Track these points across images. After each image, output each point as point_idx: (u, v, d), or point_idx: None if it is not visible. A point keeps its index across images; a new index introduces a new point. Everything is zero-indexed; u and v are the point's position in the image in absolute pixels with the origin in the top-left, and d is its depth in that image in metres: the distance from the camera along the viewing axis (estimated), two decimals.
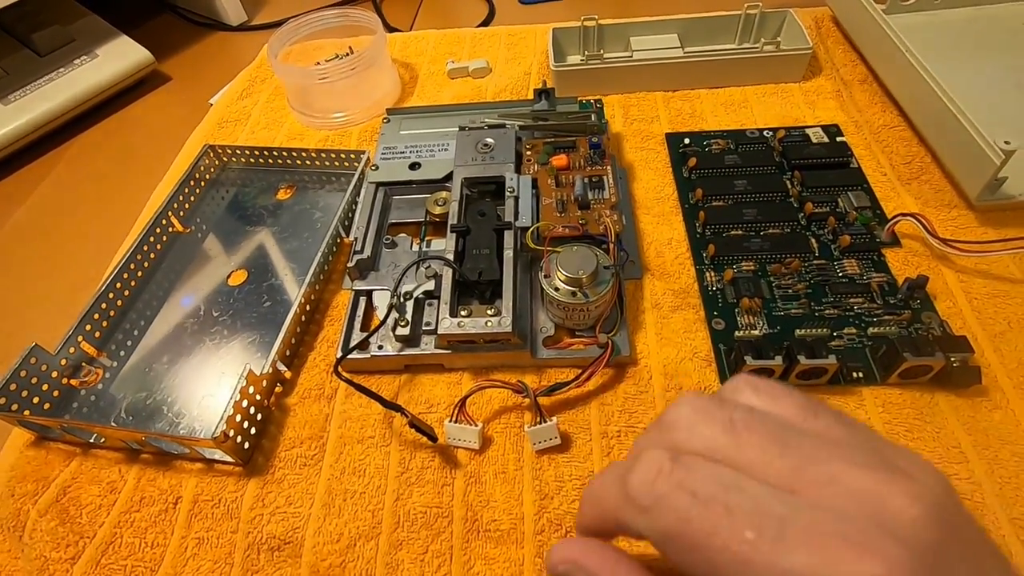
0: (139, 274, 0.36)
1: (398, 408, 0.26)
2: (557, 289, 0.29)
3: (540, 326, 0.31)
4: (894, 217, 0.33)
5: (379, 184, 0.37)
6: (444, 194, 0.36)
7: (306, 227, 0.38)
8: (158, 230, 0.37)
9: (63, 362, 0.31)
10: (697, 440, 0.16)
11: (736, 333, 0.30)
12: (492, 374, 0.30)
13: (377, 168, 0.37)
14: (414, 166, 0.37)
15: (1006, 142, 0.30)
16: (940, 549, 0.13)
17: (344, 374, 0.27)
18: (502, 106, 0.41)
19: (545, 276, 0.29)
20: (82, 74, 0.52)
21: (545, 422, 0.27)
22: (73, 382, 0.32)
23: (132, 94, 0.54)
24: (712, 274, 0.33)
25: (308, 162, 0.41)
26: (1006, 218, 0.33)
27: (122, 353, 0.33)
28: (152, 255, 0.37)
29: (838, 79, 0.44)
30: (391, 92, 0.47)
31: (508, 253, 0.30)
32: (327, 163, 0.41)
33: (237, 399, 0.27)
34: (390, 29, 0.57)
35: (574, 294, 0.28)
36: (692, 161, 0.38)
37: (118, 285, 0.34)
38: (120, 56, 0.53)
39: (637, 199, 0.37)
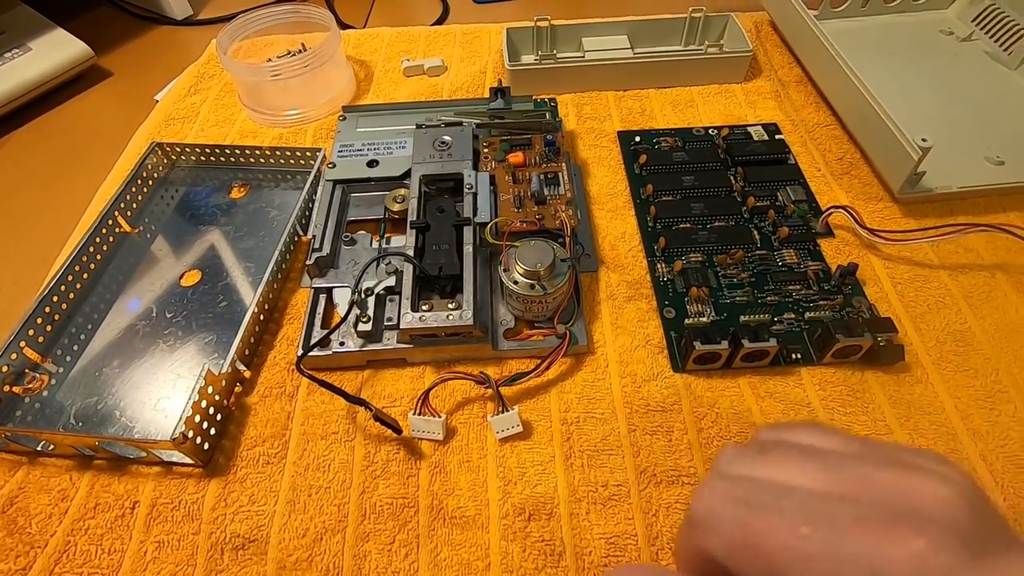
0: (85, 276, 0.35)
1: (362, 402, 0.27)
2: (516, 282, 0.30)
3: (500, 319, 0.32)
4: (827, 210, 0.35)
5: (336, 182, 0.37)
6: (402, 191, 0.36)
7: (262, 226, 0.38)
8: (104, 230, 0.36)
9: (4, 369, 0.30)
10: (737, 467, 0.18)
11: (686, 320, 0.32)
12: (454, 367, 0.30)
13: (334, 166, 0.37)
14: (372, 163, 0.37)
15: (923, 139, 0.33)
16: (971, 526, 0.15)
17: (306, 370, 0.27)
18: (458, 104, 0.41)
19: (504, 270, 0.30)
20: (14, 68, 0.49)
21: (507, 411, 0.28)
22: (16, 389, 0.30)
23: (70, 90, 0.52)
24: (663, 265, 0.34)
25: (263, 160, 0.41)
26: (925, 209, 0.36)
27: (68, 358, 0.32)
28: (99, 256, 0.36)
29: (776, 80, 0.46)
30: (346, 90, 0.47)
31: (468, 248, 0.31)
32: (282, 161, 0.40)
33: (196, 399, 0.26)
34: (343, 26, 0.57)
35: (532, 286, 0.29)
36: (643, 158, 0.39)
37: (62, 288, 0.33)
38: (55, 49, 0.51)
39: (591, 195, 0.39)
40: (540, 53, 0.47)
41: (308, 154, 0.40)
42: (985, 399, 0.28)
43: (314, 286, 0.33)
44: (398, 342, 0.30)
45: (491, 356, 0.31)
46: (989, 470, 0.26)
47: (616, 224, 0.37)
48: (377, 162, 0.37)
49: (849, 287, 0.33)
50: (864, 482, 0.16)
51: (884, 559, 0.14)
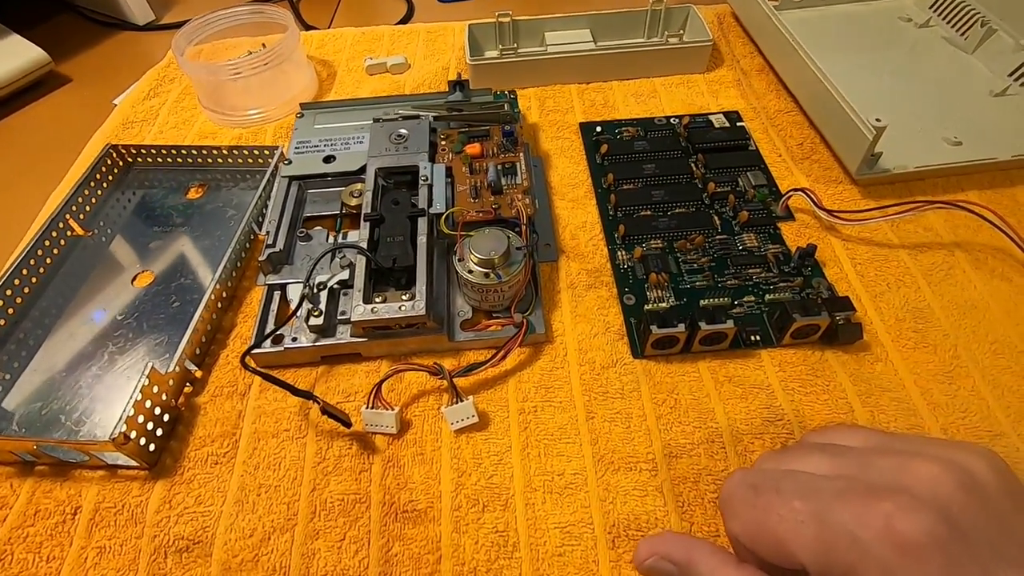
0: (33, 280, 0.34)
1: (309, 396, 0.26)
2: (471, 271, 0.29)
3: (457, 310, 0.31)
4: (787, 193, 0.35)
5: (292, 178, 0.36)
6: (359, 186, 0.35)
7: (218, 225, 0.37)
8: (54, 234, 0.35)
9: None
10: (761, 462, 0.20)
11: (646, 307, 0.31)
12: (408, 359, 0.30)
13: (290, 162, 0.37)
14: (328, 159, 0.37)
15: (877, 119, 0.33)
16: (958, 504, 0.16)
17: (252, 365, 0.26)
18: (417, 99, 0.41)
19: (459, 260, 0.30)
20: None
21: (461, 401, 0.27)
22: None
23: (27, 97, 0.51)
24: (623, 253, 0.34)
25: (220, 160, 0.40)
26: (884, 190, 0.36)
27: (16, 364, 0.31)
28: (48, 260, 0.35)
29: (738, 69, 0.46)
30: (308, 88, 0.46)
31: (422, 239, 0.31)
32: (240, 160, 0.40)
33: (139, 399, 0.26)
34: (307, 27, 0.57)
35: (487, 275, 0.29)
36: (604, 148, 0.39)
37: (8, 292, 0.32)
38: (10, 56, 0.50)
39: (553, 186, 0.38)
40: (501, 48, 0.47)
41: (266, 152, 0.39)
42: (944, 374, 0.28)
43: (267, 283, 0.32)
44: (352, 336, 0.29)
45: (448, 348, 0.30)
46: None
47: (577, 214, 0.36)
48: (334, 157, 0.37)
49: (809, 268, 0.32)
50: (862, 466, 0.18)
51: (859, 523, 0.16)
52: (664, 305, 0.31)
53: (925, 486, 0.16)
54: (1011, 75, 0.42)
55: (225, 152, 0.40)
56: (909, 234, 0.34)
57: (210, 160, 0.40)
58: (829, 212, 0.33)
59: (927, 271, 0.32)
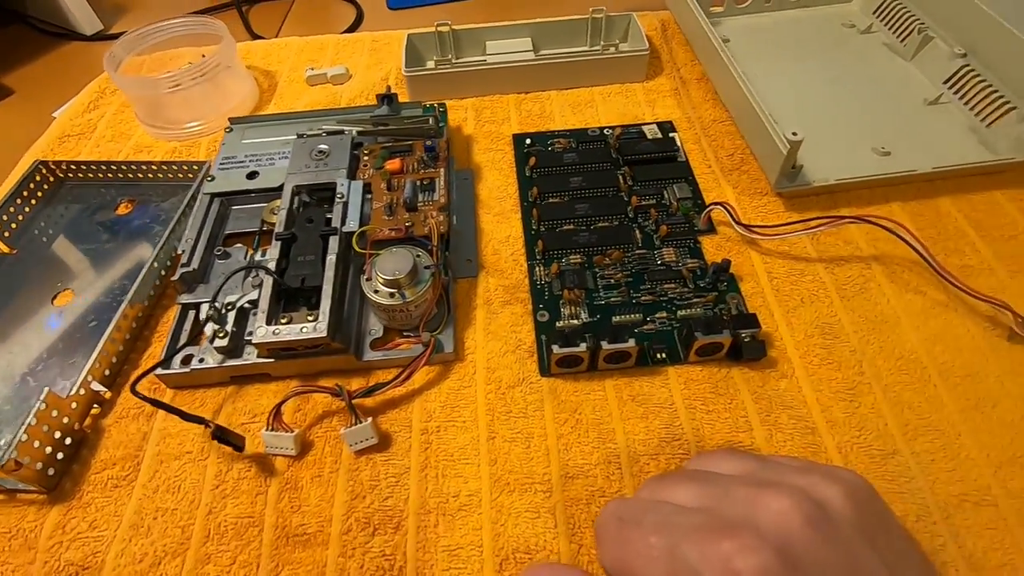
0: None
1: (201, 420, 0.26)
2: (377, 291, 0.29)
3: (369, 328, 0.31)
4: (708, 206, 0.35)
5: (215, 195, 0.36)
6: (279, 202, 0.35)
7: (144, 242, 0.37)
8: None
9: None
10: (640, 491, 0.20)
11: (557, 323, 0.31)
12: (313, 381, 0.30)
13: (213, 179, 0.37)
14: (252, 175, 0.37)
15: (793, 133, 0.33)
16: (803, 540, 0.16)
17: (139, 391, 0.26)
18: (346, 112, 0.41)
19: (367, 279, 0.30)
20: None
21: (360, 423, 0.27)
22: None
23: None
24: (541, 268, 0.34)
25: (150, 175, 0.40)
26: (808, 202, 0.36)
27: None
28: None
29: (678, 78, 0.46)
30: (247, 100, 0.46)
31: (331, 258, 0.31)
32: (169, 176, 0.40)
33: (32, 423, 0.26)
34: (255, 36, 0.56)
35: (393, 295, 0.29)
36: (532, 160, 0.39)
37: None
38: None
39: (481, 199, 0.38)
40: (435, 59, 0.47)
41: (196, 168, 0.39)
42: (847, 391, 0.28)
43: (181, 302, 0.32)
44: (258, 356, 0.29)
45: (357, 367, 0.30)
46: (844, 460, 0.26)
47: (501, 228, 0.36)
48: (257, 173, 0.37)
49: (724, 283, 0.32)
50: (722, 498, 0.18)
51: (702, 560, 0.16)
52: (576, 322, 0.31)
53: (772, 521, 0.16)
54: (945, 83, 0.42)
55: (155, 167, 0.40)
56: (828, 247, 0.34)
57: (139, 175, 0.40)
58: (746, 227, 0.33)
59: (841, 285, 0.32)
